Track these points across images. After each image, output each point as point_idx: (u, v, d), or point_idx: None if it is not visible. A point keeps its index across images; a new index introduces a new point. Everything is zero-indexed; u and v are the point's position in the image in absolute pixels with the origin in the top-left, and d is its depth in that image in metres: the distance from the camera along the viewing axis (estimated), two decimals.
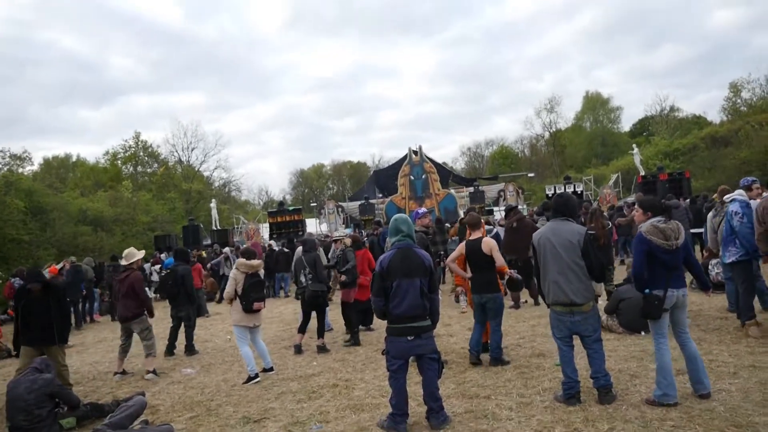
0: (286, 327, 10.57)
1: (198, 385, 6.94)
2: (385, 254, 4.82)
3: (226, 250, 17.89)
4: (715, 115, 52.00)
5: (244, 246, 10.91)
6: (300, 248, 8.63)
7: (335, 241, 9.01)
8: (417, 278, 4.62)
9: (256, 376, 6.78)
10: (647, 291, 4.69)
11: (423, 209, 7.49)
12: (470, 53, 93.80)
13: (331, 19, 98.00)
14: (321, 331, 8.24)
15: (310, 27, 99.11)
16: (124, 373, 7.86)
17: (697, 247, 13.13)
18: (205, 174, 53.21)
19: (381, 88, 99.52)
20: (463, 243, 6.61)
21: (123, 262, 8.08)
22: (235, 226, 30.79)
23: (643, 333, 6.92)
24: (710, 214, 7.80)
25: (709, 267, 9.18)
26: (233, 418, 5.47)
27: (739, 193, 6.93)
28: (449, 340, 7.98)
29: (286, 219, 27.31)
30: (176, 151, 52.10)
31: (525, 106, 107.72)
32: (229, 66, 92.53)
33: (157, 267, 18.28)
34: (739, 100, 46.74)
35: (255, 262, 7.20)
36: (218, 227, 29.86)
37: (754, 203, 6.77)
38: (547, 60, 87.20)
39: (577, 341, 4.93)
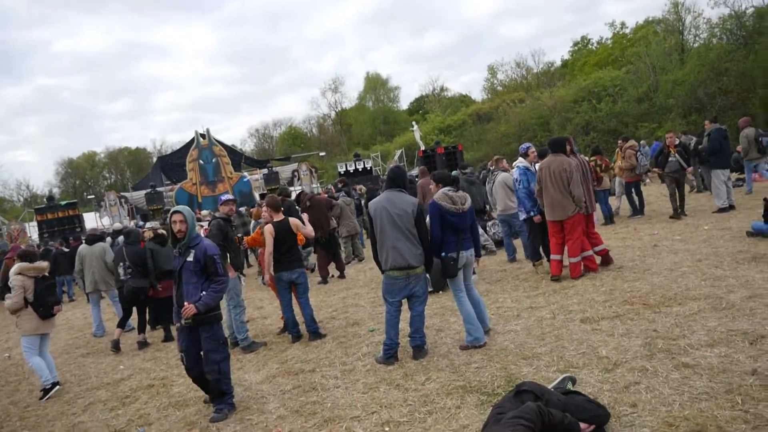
0: (78, 334, 9.56)
1: None
2: None
3: None
4: (478, 94, 58.58)
5: (22, 248, 9.56)
6: (93, 244, 7.91)
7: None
8: None
9: (56, 384, 6.14)
10: (444, 254, 5.29)
11: (228, 195, 7.32)
12: (249, 33, 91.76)
13: None
14: (143, 327, 7.87)
15: (62, 0, 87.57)
16: None
17: None
18: None
19: (155, 69, 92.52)
20: (269, 225, 6.63)
21: None
22: None
23: (440, 292, 7.71)
24: (487, 181, 8.97)
25: (486, 228, 10.48)
26: None
27: (520, 161, 8.05)
28: (264, 322, 8.00)
29: (58, 215, 24.42)
30: None
31: (307, 87, 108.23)
32: None
33: None
34: (495, 81, 53.48)
35: (42, 264, 6.48)
36: None
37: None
38: (326, 42, 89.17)
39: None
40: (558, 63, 52.21)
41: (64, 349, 8.50)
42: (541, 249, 7.93)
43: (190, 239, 4.67)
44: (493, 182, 9.01)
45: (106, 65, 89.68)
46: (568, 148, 7.31)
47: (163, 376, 6.17)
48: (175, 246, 4.73)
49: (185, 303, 4.54)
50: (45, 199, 29.26)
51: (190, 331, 4.66)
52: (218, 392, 4.69)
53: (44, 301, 6.21)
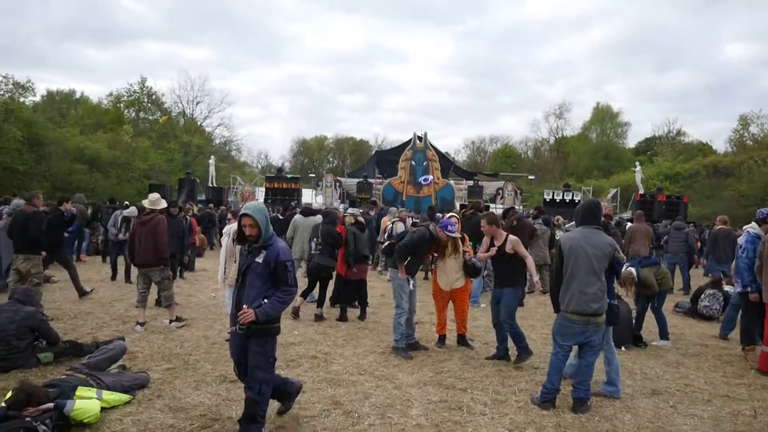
0: None
1: (178, 337, 6.95)
2: None
3: (130, 211, 11.67)
4: (720, 145, 52.44)
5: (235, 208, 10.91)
6: (308, 216, 8.70)
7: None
8: None
9: None
10: (608, 302, 4.93)
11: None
12: (482, 49, 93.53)
13: None
14: (321, 302, 8.44)
15: (326, 0, 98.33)
16: (144, 324, 7.35)
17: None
18: (207, 130, 52.80)
19: (391, 72, 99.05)
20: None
21: (147, 205, 7.57)
22: (231, 186, 30.62)
23: (623, 348, 6.99)
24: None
25: (702, 295, 9.20)
26: (210, 375, 5.50)
27: (751, 226, 6.98)
28: (431, 328, 8.02)
29: (283, 186, 27.24)
30: (181, 103, 51.62)
31: (532, 109, 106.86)
32: (242, 26, 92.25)
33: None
34: (746, 134, 46.84)
35: None
36: (214, 184, 29.68)
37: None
38: (559, 67, 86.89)
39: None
40: None
41: None
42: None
43: (264, 240, 4.04)
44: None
45: (349, 61, 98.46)
46: None
47: (327, 351, 6.52)
48: (245, 244, 4.13)
49: (243, 306, 3.93)
50: (276, 170, 32.94)
51: (244, 340, 4.07)
52: (249, 415, 4.08)
53: None
